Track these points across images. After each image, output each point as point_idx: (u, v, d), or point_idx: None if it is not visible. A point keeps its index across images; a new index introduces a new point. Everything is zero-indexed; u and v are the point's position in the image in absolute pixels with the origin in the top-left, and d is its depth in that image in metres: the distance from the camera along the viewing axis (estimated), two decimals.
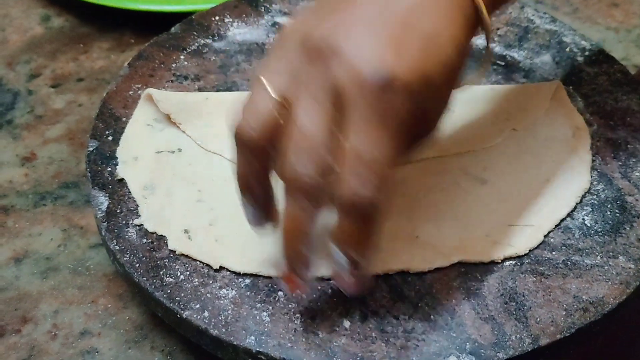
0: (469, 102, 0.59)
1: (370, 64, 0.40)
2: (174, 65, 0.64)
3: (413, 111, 0.41)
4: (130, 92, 0.61)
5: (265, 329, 0.47)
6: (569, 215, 0.53)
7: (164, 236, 0.52)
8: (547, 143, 0.57)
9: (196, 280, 0.49)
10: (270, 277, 0.49)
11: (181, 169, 0.55)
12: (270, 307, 0.48)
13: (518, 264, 0.50)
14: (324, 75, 0.41)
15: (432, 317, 0.48)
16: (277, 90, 0.42)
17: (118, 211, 0.53)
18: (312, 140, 0.41)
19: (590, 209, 0.54)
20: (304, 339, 0.47)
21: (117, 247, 0.51)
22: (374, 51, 0.41)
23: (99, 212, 0.53)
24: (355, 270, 0.43)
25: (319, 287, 0.49)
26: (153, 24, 0.73)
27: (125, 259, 0.50)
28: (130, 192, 0.54)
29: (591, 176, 0.56)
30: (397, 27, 0.42)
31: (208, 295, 0.49)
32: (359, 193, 0.40)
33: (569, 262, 0.51)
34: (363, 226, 0.42)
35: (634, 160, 0.56)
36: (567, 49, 0.65)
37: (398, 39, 0.41)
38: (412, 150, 0.45)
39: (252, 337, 0.47)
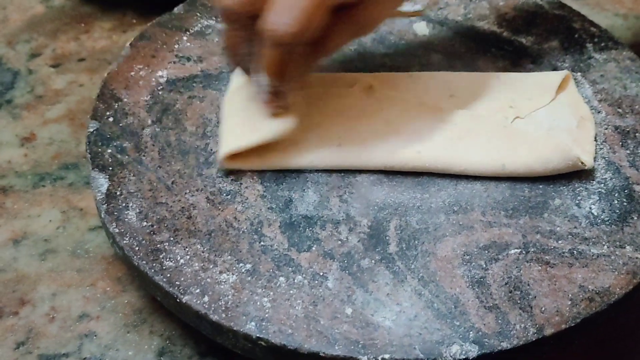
0: (474, 87, 0.58)
1: None
2: (176, 46, 0.63)
3: None
4: (132, 73, 0.60)
5: (266, 315, 0.46)
6: (577, 204, 0.52)
7: (165, 218, 0.51)
8: (551, 132, 0.56)
9: (196, 264, 0.49)
10: (271, 263, 0.49)
11: None
12: (272, 293, 0.47)
13: (523, 252, 0.50)
14: None
15: (435, 305, 0.47)
16: None
17: (118, 193, 0.52)
18: None
19: (598, 198, 0.53)
20: (305, 326, 0.46)
21: (117, 230, 0.50)
22: None
23: (99, 194, 0.52)
24: (273, 93, 0.52)
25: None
26: (155, 4, 0.72)
27: (124, 241, 0.50)
28: (131, 174, 0.53)
29: (598, 164, 0.55)
30: None
31: (208, 279, 0.48)
32: (275, 22, 0.47)
33: (575, 252, 0.50)
34: (279, 54, 0.49)
35: None
36: (576, 35, 0.64)
37: None
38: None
39: (253, 323, 0.46)
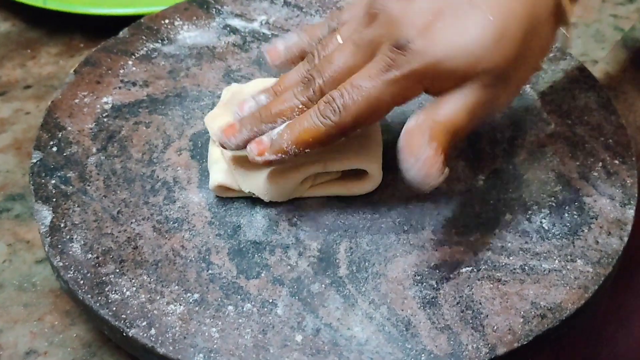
0: None
1: (405, 31, 0.46)
2: (121, 71, 0.62)
3: (421, 74, 0.46)
4: (76, 100, 0.59)
5: (215, 346, 0.45)
6: (527, 219, 0.52)
7: (110, 249, 0.50)
8: None
9: (143, 296, 0.48)
10: (219, 291, 0.48)
11: None
12: (220, 323, 0.47)
13: (474, 270, 0.49)
14: (373, 32, 0.48)
15: (386, 328, 0.46)
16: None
17: (62, 225, 0.51)
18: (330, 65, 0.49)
19: (549, 211, 0.53)
20: (254, 355, 0.45)
21: (61, 264, 0.49)
22: (415, 22, 0.46)
23: (43, 227, 0.51)
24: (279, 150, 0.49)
25: (270, 301, 0.48)
26: (103, 28, 0.71)
27: (69, 275, 0.49)
28: (75, 205, 0.52)
29: (548, 177, 0.55)
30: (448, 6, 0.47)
31: (155, 311, 0.47)
32: (335, 99, 0.47)
33: (526, 267, 0.49)
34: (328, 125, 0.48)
35: (591, 159, 0.55)
36: None
37: (441, 14, 0.46)
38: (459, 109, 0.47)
39: (201, 355, 0.45)
